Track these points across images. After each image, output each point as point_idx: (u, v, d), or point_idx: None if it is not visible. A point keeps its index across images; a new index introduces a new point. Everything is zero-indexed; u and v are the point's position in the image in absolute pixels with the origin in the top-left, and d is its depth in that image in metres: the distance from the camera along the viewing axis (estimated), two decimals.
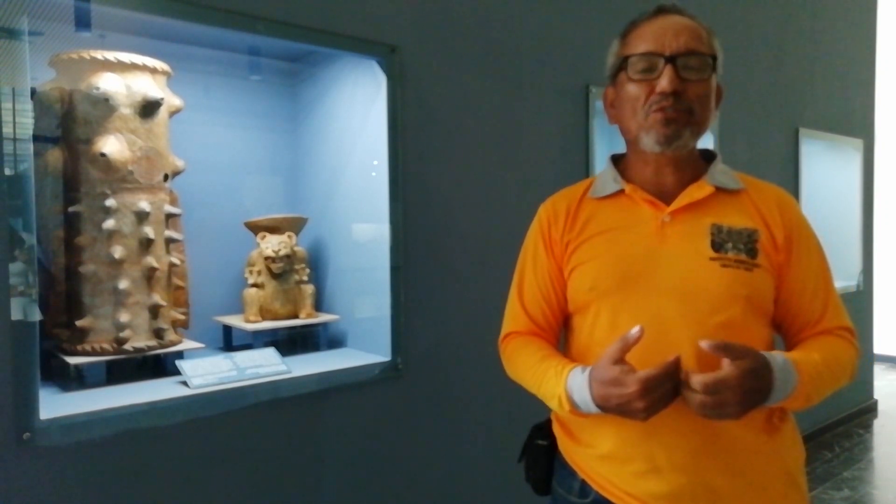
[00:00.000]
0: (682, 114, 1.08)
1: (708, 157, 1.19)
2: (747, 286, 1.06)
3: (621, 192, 1.17)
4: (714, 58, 1.10)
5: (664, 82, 1.06)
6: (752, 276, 1.07)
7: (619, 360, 0.99)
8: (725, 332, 1.03)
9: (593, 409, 1.04)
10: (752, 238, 1.09)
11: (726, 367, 0.95)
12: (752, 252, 1.08)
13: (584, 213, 1.19)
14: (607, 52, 1.20)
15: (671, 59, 1.07)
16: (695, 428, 1.04)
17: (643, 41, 1.10)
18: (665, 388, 0.97)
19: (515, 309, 1.27)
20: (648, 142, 1.10)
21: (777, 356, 1.01)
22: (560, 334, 1.27)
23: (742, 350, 0.96)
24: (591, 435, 1.14)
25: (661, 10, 1.13)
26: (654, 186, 1.15)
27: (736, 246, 1.08)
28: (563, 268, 1.20)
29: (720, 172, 1.15)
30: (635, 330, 0.99)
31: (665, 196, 1.13)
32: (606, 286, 1.12)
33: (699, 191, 1.12)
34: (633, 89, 1.11)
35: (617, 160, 1.23)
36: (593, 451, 1.13)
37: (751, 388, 0.95)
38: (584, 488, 1.15)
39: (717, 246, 1.08)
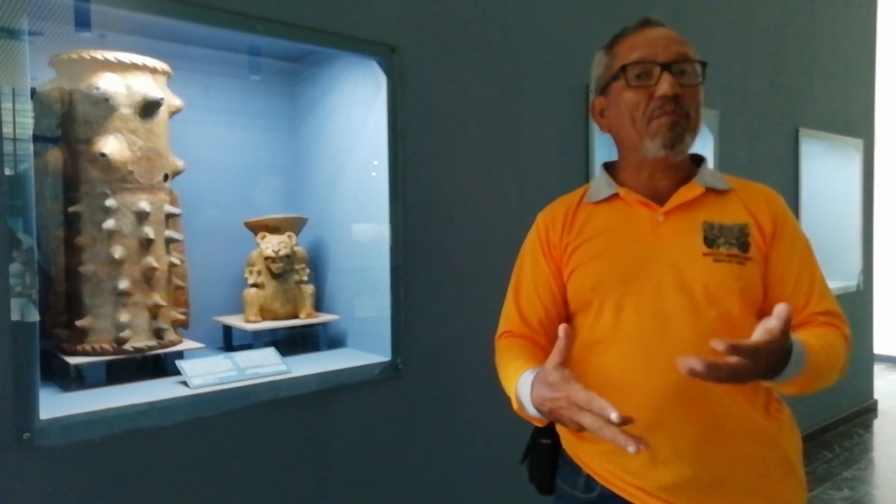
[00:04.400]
0: (683, 118, 1.11)
1: (697, 160, 1.23)
2: (741, 279, 1.09)
3: (616, 195, 1.20)
4: (704, 64, 1.15)
5: (665, 86, 1.09)
6: (745, 269, 1.10)
7: (560, 364, 0.96)
8: (723, 325, 1.06)
9: (532, 410, 1.02)
10: (743, 232, 1.12)
11: (765, 334, 0.89)
12: (744, 246, 1.11)
13: (582, 217, 1.22)
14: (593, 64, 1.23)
15: (667, 66, 1.10)
16: (698, 419, 1.06)
17: (635, 50, 1.13)
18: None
19: (510, 310, 1.29)
20: (653, 147, 1.12)
21: (795, 339, 0.98)
22: (555, 336, 1.26)
23: (752, 347, 0.92)
24: None
25: (647, 23, 1.17)
26: (648, 189, 1.18)
27: (728, 241, 1.11)
28: (563, 269, 1.22)
29: (709, 175, 1.19)
30: (562, 334, 0.96)
31: (658, 198, 1.17)
32: (608, 284, 1.14)
33: (690, 191, 1.15)
34: (631, 97, 1.13)
35: (609, 167, 1.27)
36: (598, 447, 1.15)
37: (777, 363, 0.93)
38: (590, 483, 1.17)
39: (709, 242, 1.11)
